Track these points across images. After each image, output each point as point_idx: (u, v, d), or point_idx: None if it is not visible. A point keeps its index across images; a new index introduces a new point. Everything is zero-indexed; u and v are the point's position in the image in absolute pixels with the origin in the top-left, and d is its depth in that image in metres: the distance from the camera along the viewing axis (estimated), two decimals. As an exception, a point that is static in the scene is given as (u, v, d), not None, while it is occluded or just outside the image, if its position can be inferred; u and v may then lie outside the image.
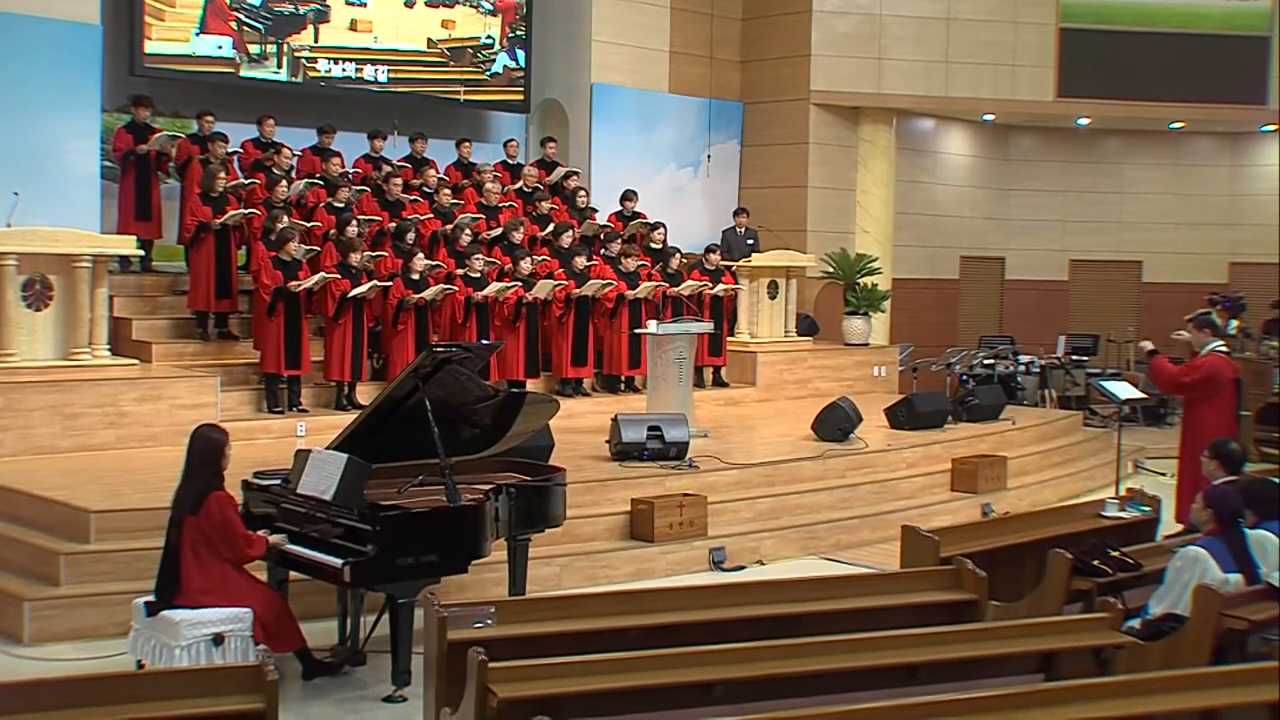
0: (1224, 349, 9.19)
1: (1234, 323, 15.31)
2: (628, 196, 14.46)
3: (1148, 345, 9.56)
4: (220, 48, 13.12)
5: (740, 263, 14.24)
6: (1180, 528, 7.79)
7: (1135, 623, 5.91)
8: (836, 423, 11.45)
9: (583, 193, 14.28)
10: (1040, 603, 6.39)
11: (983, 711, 4.48)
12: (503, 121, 16.00)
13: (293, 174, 12.53)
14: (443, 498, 6.60)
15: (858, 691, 4.86)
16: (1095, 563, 6.45)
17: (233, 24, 13.20)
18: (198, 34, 12.98)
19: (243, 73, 13.34)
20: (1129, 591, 6.35)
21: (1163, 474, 12.91)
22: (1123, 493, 8.64)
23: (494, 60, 15.29)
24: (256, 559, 6.56)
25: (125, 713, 4.36)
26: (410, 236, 11.78)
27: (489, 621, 5.36)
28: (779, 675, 4.91)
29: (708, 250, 14.10)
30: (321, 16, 13.83)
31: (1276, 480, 6.70)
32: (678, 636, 5.37)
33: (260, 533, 6.57)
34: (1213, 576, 5.78)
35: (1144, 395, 12.76)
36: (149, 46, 12.67)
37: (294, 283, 10.62)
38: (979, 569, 6.07)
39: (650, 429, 10.15)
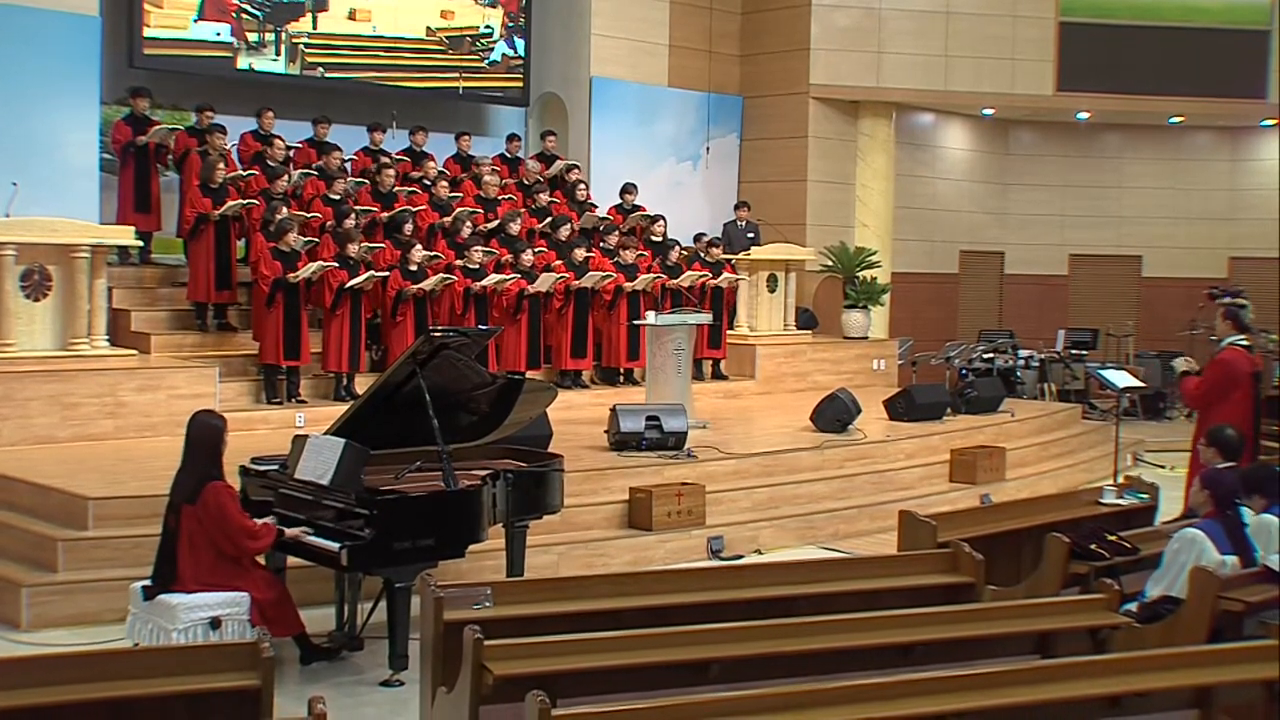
0: (1244, 343, 9.10)
1: (1233, 317, 15.29)
2: (627, 190, 14.47)
3: (1181, 365, 9.50)
4: (218, 34, 13.13)
5: (740, 256, 14.27)
6: None
7: (1132, 606, 5.91)
8: (835, 414, 11.46)
9: (583, 186, 14.29)
10: (1037, 586, 6.38)
11: (977, 689, 4.48)
12: (502, 115, 16.01)
13: (290, 166, 12.55)
14: (440, 483, 6.61)
15: (853, 671, 4.85)
16: (1092, 547, 6.45)
17: (231, 12, 13.21)
18: (196, 21, 12.99)
19: (241, 60, 13.35)
20: (1126, 576, 6.34)
21: (1162, 466, 12.92)
22: (1120, 481, 8.63)
23: (493, 49, 15.31)
24: (262, 551, 6.50)
25: (122, 689, 4.37)
26: (408, 228, 11.80)
27: (486, 603, 5.36)
28: (775, 654, 4.92)
29: (697, 238, 14.12)
30: (320, 4, 13.84)
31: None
32: (674, 618, 5.38)
33: (270, 519, 6.53)
34: (1209, 558, 5.78)
35: (1143, 385, 12.77)
36: (146, 32, 12.67)
37: (293, 273, 10.63)
38: (976, 553, 6.08)
39: (649, 419, 10.16)
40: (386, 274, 11.20)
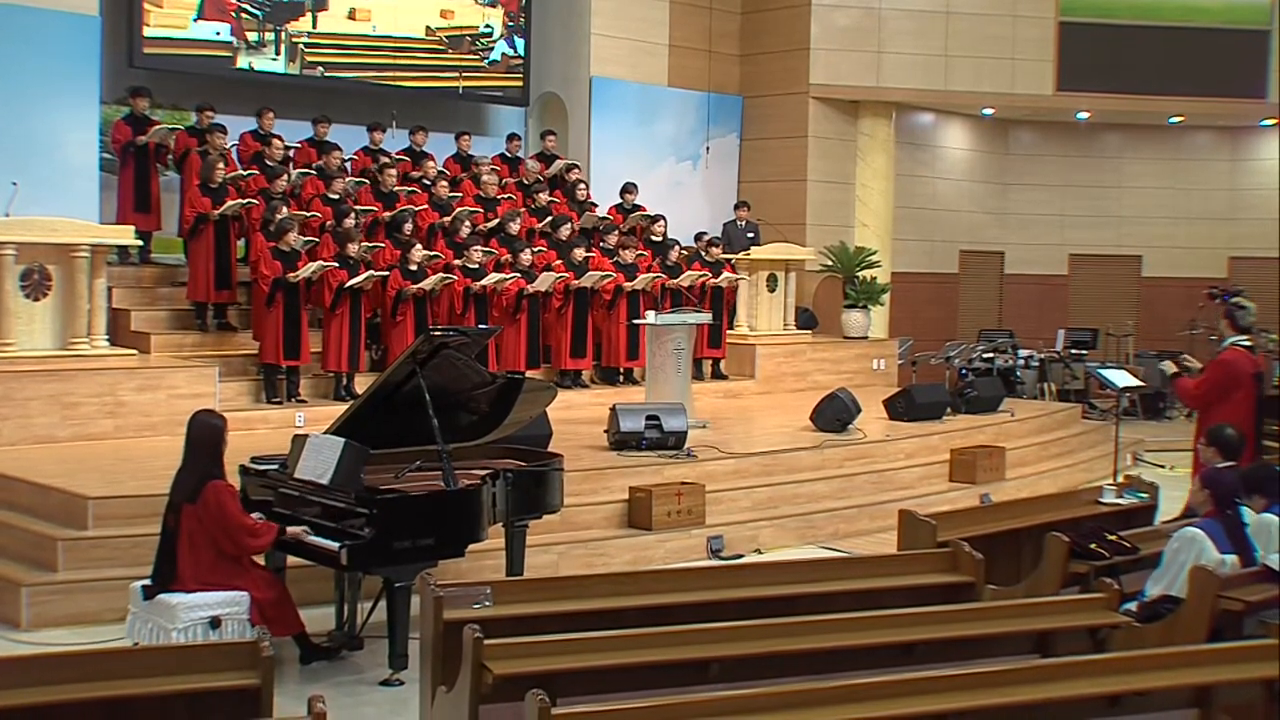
0: (1246, 343, 9.09)
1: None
2: (628, 189, 14.47)
3: (1170, 368, 9.50)
4: (218, 34, 13.14)
5: (740, 256, 14.27)
6: None
7: (1132, 605, 5.91)
8: (835, 413, 11.46)
9: (583, 185, 14.30)
10: (1037, 586, 6.38)
11: (977, 688, 4.48)
12: (502, 115, 16.02)
13: (290, 166, 12.55)
14: (440, 483, 6.61)
15: (853, 670, 4.85)
16: (1092, 546, 6.45)
17: (231, 12, 13.21)
18: (195, 20, 13.00)
19: (240, 59, 13.35)
20: (1126, 575, 6.34)
21: (1162, 466, 12.93)
22: (1120, 480, 8.63)
23: (492, 49, 15.31)
24: (263, 550, 6.50)
25: (122, 688, 4.37)
26: (408, 228, 11.80)
27: (486, 602, 5.36)
28: (774, 653, 4.92)
29: (698, 237, 14.13)
30: (320, 4, 13.85)
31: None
32: (675, 617, 5.38)
33: (256, 515, 6.53)
34: (1209, 557, 5.78)
35: (1143, 385, 12.77)
36: (146, 32, 12.68)
37: (292, 273, 10.63)
38: (976, 552, 6.07)
39: (648, 418, 10.16)
40: (386, 274, 11.20)
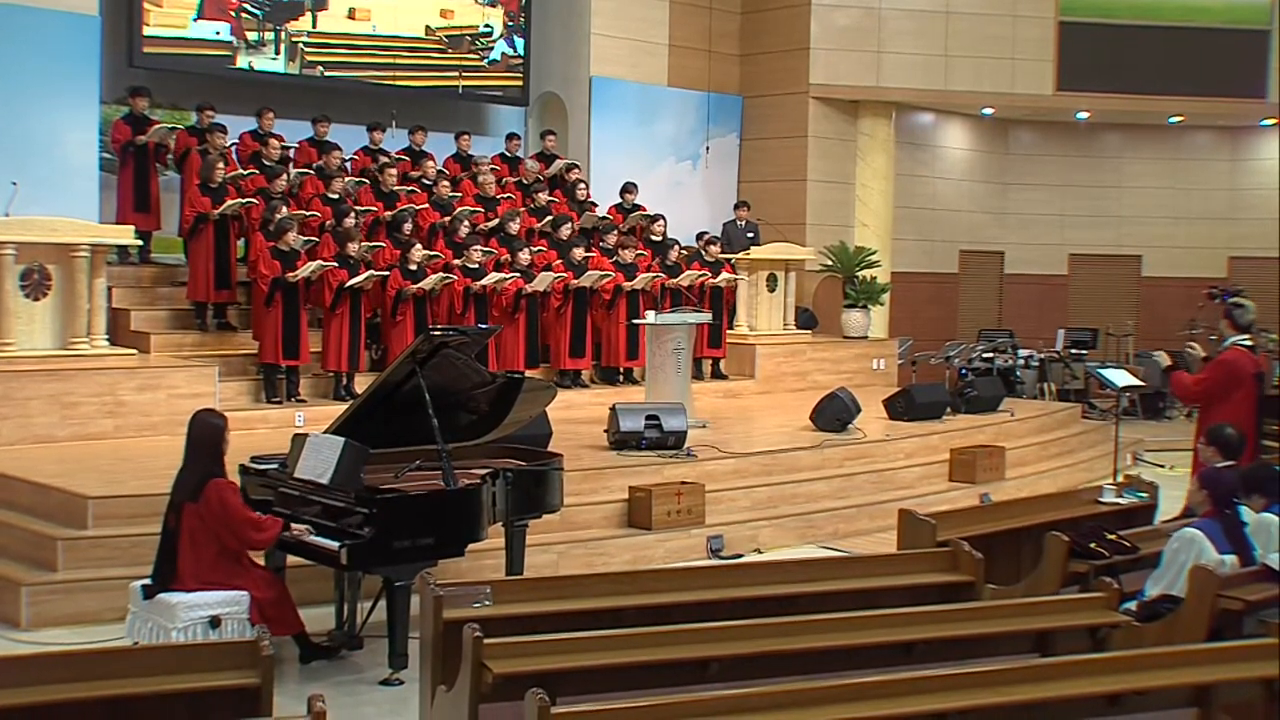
0: (1247, 343, 9.07)
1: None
2: (628, 189, 14.48)
3: (1165, 361, 9.49)
4: (218, 33, 13.15)
5: (739, 256, 14.27)
6: None
7: (1131, 605, 5.91)
8: (835, 413, 11.46)
9: (583, 185, 14.30)
10: (1037, 585, 6.38)
11: (977, 687, 4.48)
12: (502, 115, 16.02)
13: (289, 165, 12.55)
14: (440, 482, 6.61)
15: (853, 669, 4.85)
16: (1092, 545, 6.45)
17: (231, 11, 13.22)
18: (195, 20, 13.00)
19: (240, 59, 13.36)
20: (1126, 575, 6.34)
21: (1161, 466, 12.93)
22: (1120, 480, 8.63)
23: (492, 48, 15.32)
24: (268, 544, 6.51)
25: (122, 688, 4.37)
26: (408, 227, 11.81)
27: (485, 601, 5.36)
28: (774, 652, 4.92)
29: (699, 236, 14.13)
30: (320, 3, 13.85)
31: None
32: (674, 617, 5.38)
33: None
34: (1209, 557, 5.78)
35: (1142, 384, 12.77)
36: (146, 31, 12.69)
37: (292, 273, 10.63)
38: (975, 552, 6.07)
39: (648, 418, 10.16)
40: (386, 273, 11.20)
